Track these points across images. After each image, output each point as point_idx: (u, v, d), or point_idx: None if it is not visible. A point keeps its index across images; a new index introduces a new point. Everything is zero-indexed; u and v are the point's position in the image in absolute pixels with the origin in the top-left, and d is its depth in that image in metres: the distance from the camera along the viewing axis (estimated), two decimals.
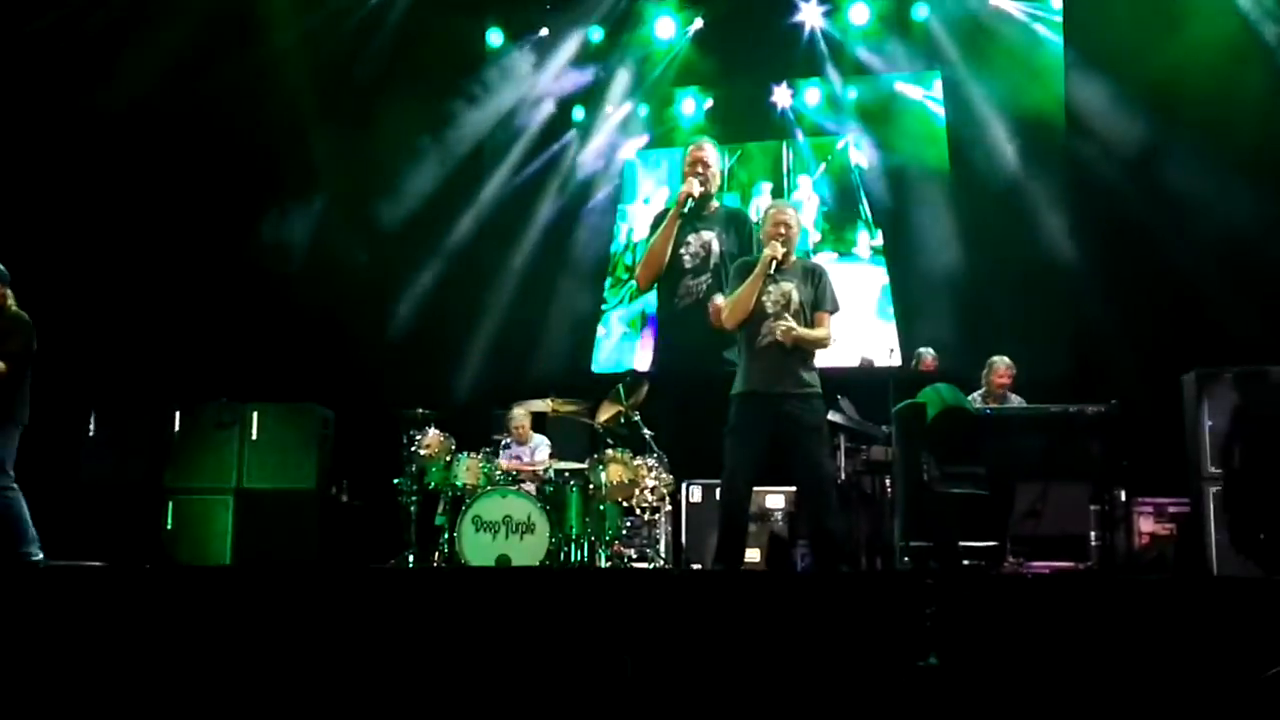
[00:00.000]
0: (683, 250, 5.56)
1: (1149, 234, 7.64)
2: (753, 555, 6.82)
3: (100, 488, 7.42)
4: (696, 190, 5.50)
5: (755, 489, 6.55)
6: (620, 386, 6.60)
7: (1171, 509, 6.91)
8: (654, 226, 5.53)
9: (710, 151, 5.54)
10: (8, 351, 5.76)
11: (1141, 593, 3.51)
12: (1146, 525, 7.00)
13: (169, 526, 7.43)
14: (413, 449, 6.68)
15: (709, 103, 9.46)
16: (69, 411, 7.56)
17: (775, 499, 7.00)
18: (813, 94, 9.29)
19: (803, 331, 5.03)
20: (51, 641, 3.97)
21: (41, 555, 5.78)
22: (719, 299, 5.45)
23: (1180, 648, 3.01)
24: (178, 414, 7.59)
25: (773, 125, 9.28)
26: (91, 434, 7.56)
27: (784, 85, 9.30)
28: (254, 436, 7.47)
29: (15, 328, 5.87)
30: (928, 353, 7.42)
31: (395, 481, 6.75)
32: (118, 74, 7.78)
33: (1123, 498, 6.40)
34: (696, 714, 3.15)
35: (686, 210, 5.52)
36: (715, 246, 5.64)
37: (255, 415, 7.49)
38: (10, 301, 5.95)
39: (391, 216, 8.76)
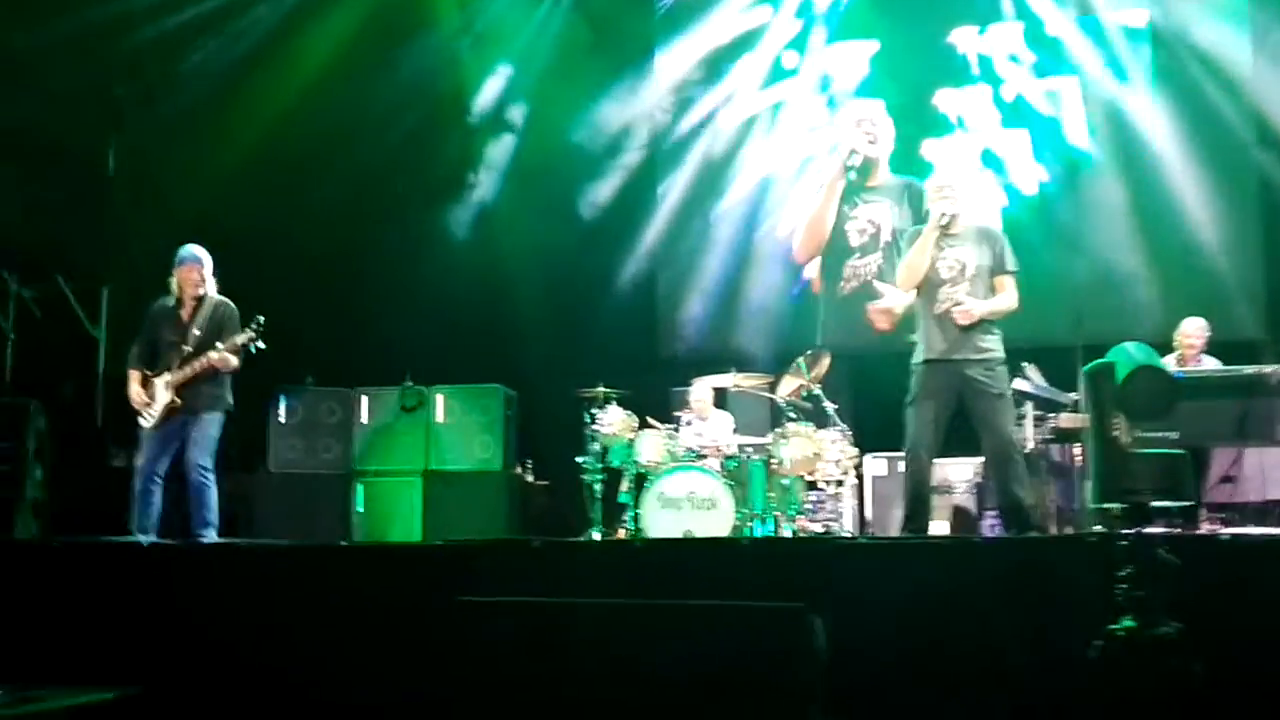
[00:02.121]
0: (848, 226, 5.79)
1: None
2: (940, 528, 7.32)
3: (291, 473, 8.22)
4: (863, 151, 5.72)
5: (938, 461, 7.08)
6: (802, 359, 7.04)
7: None
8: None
9: (879, 110, 5.73)
10: (235, 345, 6.26)
11: None
12: None
13: (360, 509, 8.21)
14: (595, 427, 7.21)
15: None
16: (259, 397, 8.37)
17: (959, 470, 7.40)
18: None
19: (982, 307, 5.32)
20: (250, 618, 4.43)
21: (215, 538, 6.18)
22: (878, 302, 5.67)
23: None
24: (364, 398, 8.34)
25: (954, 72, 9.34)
26: (281, 420, 8.36)
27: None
28: (440, 418, 8.18)
29: (231, 317, 6.37)
30: None
31: (579, 460, 7.29)
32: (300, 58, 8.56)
33: None
34: (888, 677, 3.56)
35: (852, 177, 5.74)
36: (886, 222, 5.89)
37: (441, 397, 8.20)
38: (210, 288, 6.41)
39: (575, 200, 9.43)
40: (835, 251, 5.71)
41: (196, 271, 6.43)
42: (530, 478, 8.56)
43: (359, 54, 8.78)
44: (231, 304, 6.49)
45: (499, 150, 9.71)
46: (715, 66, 9.76)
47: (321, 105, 8.80)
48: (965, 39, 9.31)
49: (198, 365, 6.25)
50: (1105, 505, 3.81)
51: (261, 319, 6.28)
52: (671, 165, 9.70)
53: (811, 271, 6.56)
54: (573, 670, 2.98)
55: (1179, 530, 5.49)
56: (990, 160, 9.23)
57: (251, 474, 8.28)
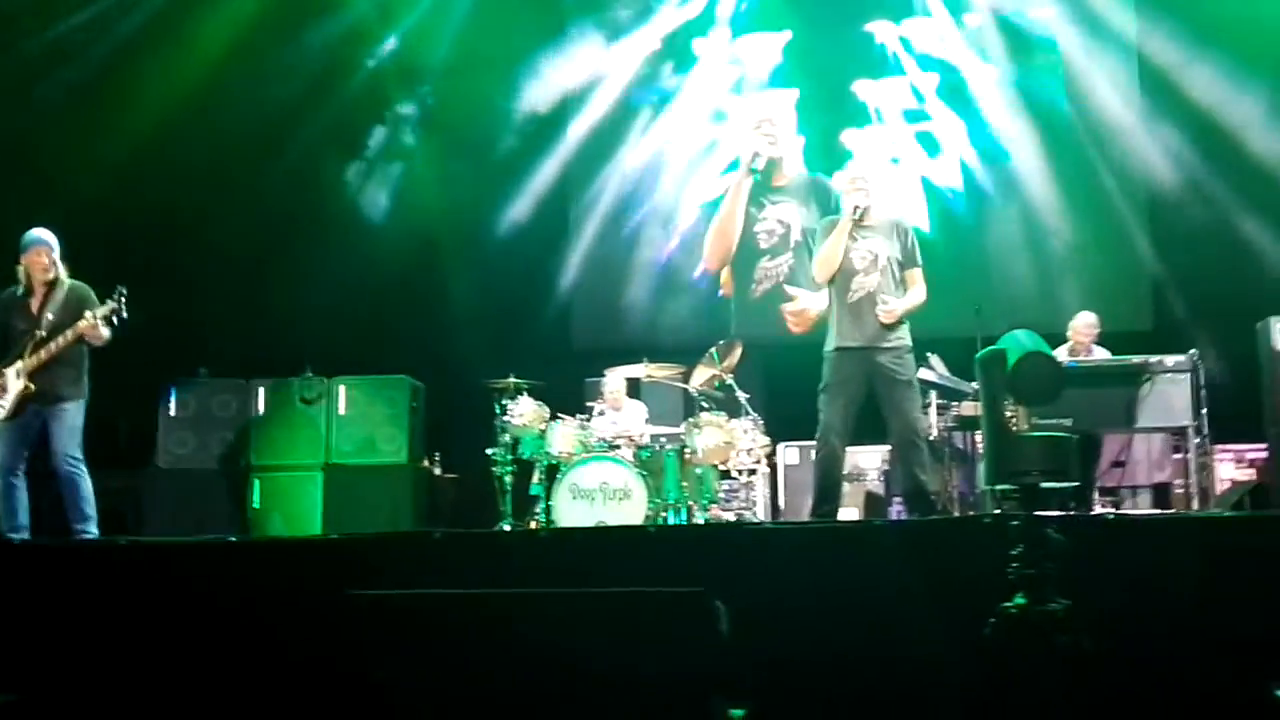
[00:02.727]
0: (757, 228, 5.91)
1: (1221, 191, 8.43)
2: (850, 514, 7.53)
3: (182, 469, 8.09)
4: (765, 152, 5.83)
5: (850, 448, 7.27)
6: (714, 349, 7.18)
7: (1250, 454, 7.71)
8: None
9: (779, 109, 5.82)
10: (102, 314, 5.93)
11: (1221, 532, 4.15)
12: (1227, 471, 7.81)
13: (256, 505, 8.11)
14: (506, 419, 7.29)
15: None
16: (147, 390, 8.23)
17: (869, 457, 7.66)
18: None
19: (903, 305, 5.55)
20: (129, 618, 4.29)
21: (96, 533, 6.01)
22: (791, 305, 5.82)
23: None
24: (261, 390, 8.26)
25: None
26: (171, 413, 8.23)
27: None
28: (342, 410, 8.14)
29: (86, 297, 6.09)
30: None
31: (489, 452, 7.35)
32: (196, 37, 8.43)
33: (1203, 445, 7.13)
34: (793, 661, 3.66)
35: (755, 178, 5.84)
36: (795, 222, 6.01)
37: (343, 389, 8.16)
38: (61, 271, 6.13)
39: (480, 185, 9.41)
40: (745, 254, 5.79)
41: (45, 255, 6.16)
42: (439, 471, 8.56)
43: (259, 35, 8.63)
44: (85, 285, 6.23)
45: (406, 135, 9.66)
46: (627, 54, 9.80)
47: (218, 86, 8.64)
48: (883, 30, 9.53)
49: (54, 348, 5.98)
50: (997, 487, 4.01)
51: (124, 290, 6.08)
52: (582, 155, 9.73)
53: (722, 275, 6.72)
54: (467, 663, 3.02)
55: (1068, 511, 5.79)
56: (909, 151, 9.48)
57: (140, 471, 8.15)
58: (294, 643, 4.10)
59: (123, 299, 6.03)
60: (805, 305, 5.89)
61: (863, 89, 9.48)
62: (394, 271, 8.94)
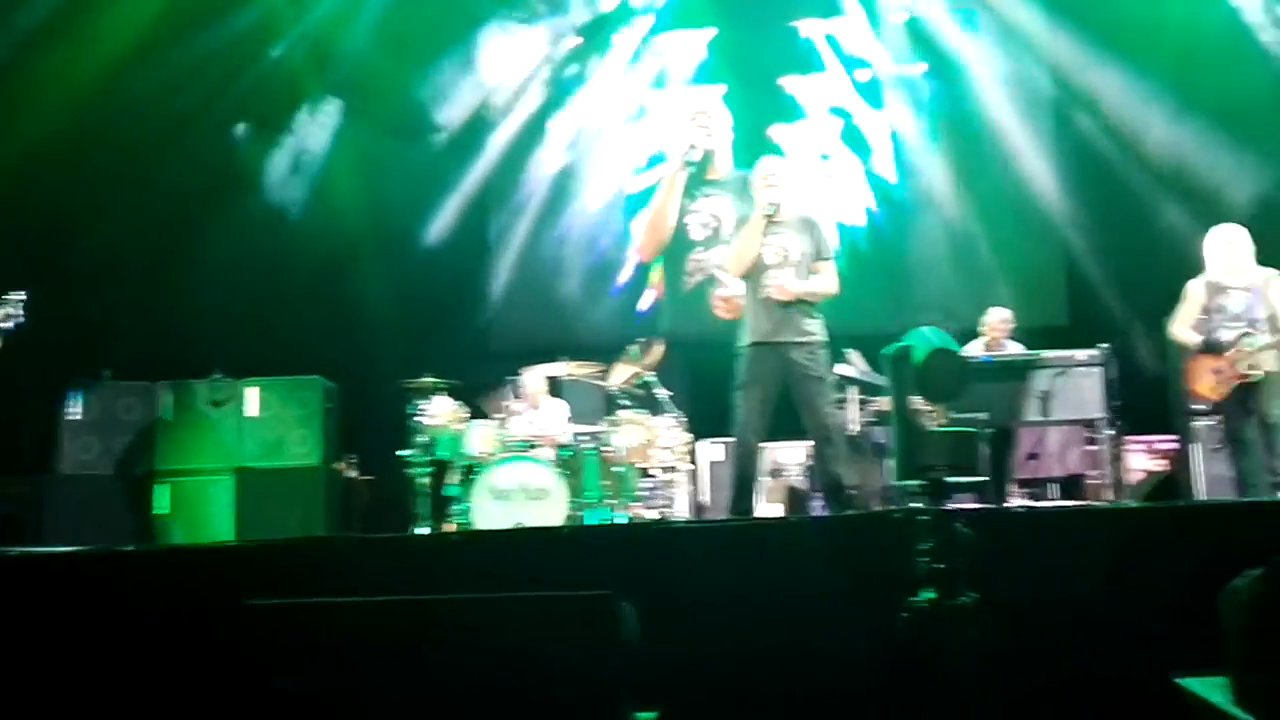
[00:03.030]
0: (689, 219, 5.97)
1: (1134, 185, 8.70)
2: (773, 510, 7.59)
3: (84, 474, 7.87)
4: (700, 144, 5.88)
5: (771, 444, 7.33)
6: (634, 347, 7.20)
7: (1161, 445, 7.95)
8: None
9: (715, 101, 5.88)
10: None
11: (1130, 523, 4.24)
12: (1139, 462, 8.04)
13: (164, 511, 7.93)
14: (421, 419, 7.25)
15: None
16: (48, 393, 7.99)
17: (791, 453, 7.71)
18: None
19: (798, 286, 5.60)
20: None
21: None
22: (722, 289, 5.83)
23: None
24: (167, 393, 8.07)
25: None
26: (73, 417, 8.01)
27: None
28: (252, 413, 7.99)
29: None
30: None
31: (404, 454, 7.27)
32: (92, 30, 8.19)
33: (1116, 437, 7.32)
34: (707, 661, 3.64)
35: (690, 170, 5.91)
36: (728, 215, 6.02)
37: (253, 391, 8.01)
38: None
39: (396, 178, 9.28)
40: (677, 245, 5.83)
41: None
42: (353, 473, 8.47)
43: (162, 28, 8.39)
44: None
45: (318, 127, 9.49)
46: (547, 45, 9.78)
47: (120, 82, 8.39)
48: (810, 27, 9.63)
49: None
50: (906, 482, 4.06)
51: (23, 294, 5.91)
52: (501, 152, 9.66)
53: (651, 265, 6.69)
54: (370, 672, 2.96)
55: (976, 504, 5.91)
56: (836, 147, 9.61)
57: (40, 476, 7.92)
58: (193, 655, 4.00)
59: (22, 304, 5.84)
60: (735, 292, 5.93)
61: (791, 84, 9.57)
62: (306, 270, 8.78)
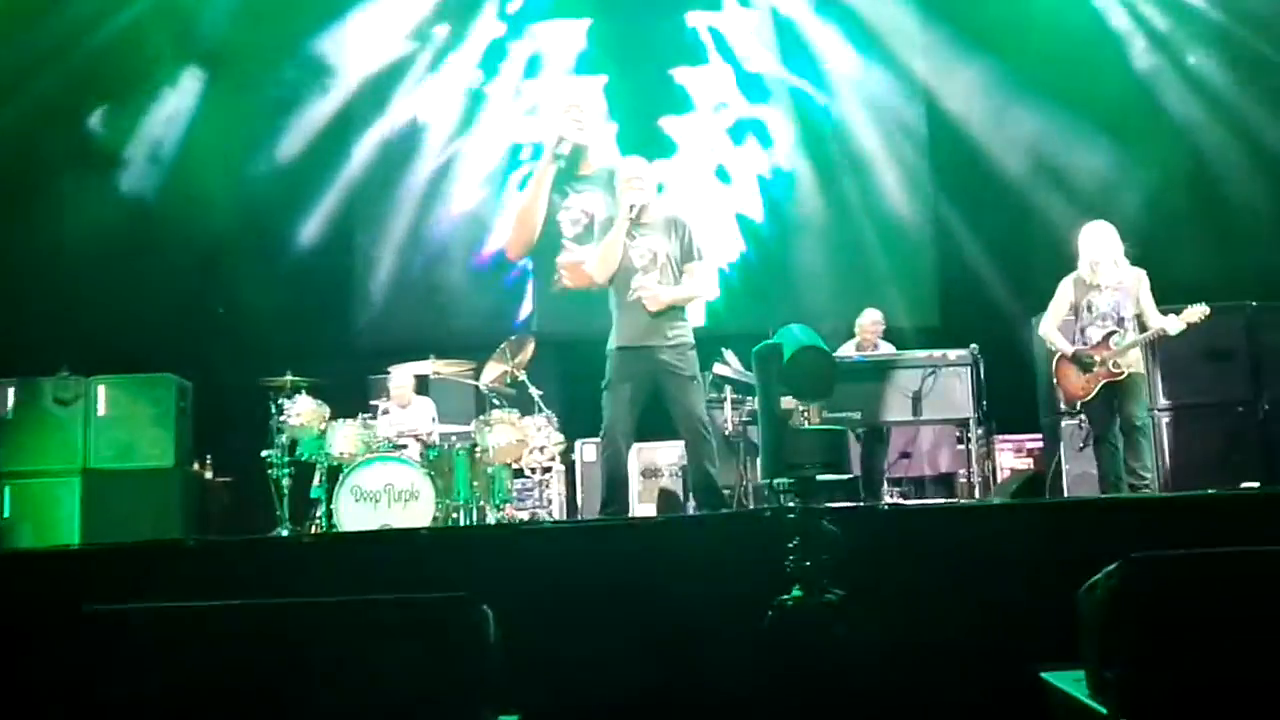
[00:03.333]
0: (561, 216, 5.92)
1: (1004, 185, 8.99)
2: (647, 510, 7.57)
3: None
4: (572, 138, 5.82)
5: (645, 445, 7.32)
6: (505, 345, 7.12)
7: (1029, 444, 8.24)
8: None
9: (589, 94, 5.78)
10: None
11: (995, 520, 4.33)
12: (1007, 460, 8.29)
13: (4, 514, 7.53)
14: (283, 418, 7.00)
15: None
16: None
17: (665, 453, 7.72)
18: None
19: (669, 294, 5.55)
20: None
21: None
22: (566, 255, 5.79)
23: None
24: (10, 390, 7.68)
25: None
26: None
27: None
28: (102, 411, 7.64)
29: None
30: None
31: (265, 454, 7.04)
32: None
33: (985, 436, 7.51)
34: (572, 664, 3.58)
35: (560, 164, 5.84)
36: (600, 211, 5.95)
37: (102, 388, 7.67)
38: None
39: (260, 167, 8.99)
40: (548, 243, 5.74)
41: None
42: (210, 475, 8.18)
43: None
44: None
45: (170, 114, 9.09)
46: (418, 34, 9.58)
47: None
48: (696, 18, 9.68)
49: None
50: (773, 480, 4.08)
51: None
52: (366, 139, 9.47)
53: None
54: (217, 678, 2.82)
55: (846, 503, 5.98)
56: (723, 144, 9.66)
57: None
58: (33, 665, 3.78)
59: None
60: (579, 258, 5.86)
61: (683, 76, 9.59)
62: (161, 263, 8.40)
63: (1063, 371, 6.34)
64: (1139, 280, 6.24)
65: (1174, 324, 6.13)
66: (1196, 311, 6.16)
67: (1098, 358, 6.15)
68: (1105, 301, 6.19)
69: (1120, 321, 6.16)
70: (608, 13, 9.62)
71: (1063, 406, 6.80)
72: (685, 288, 5.66)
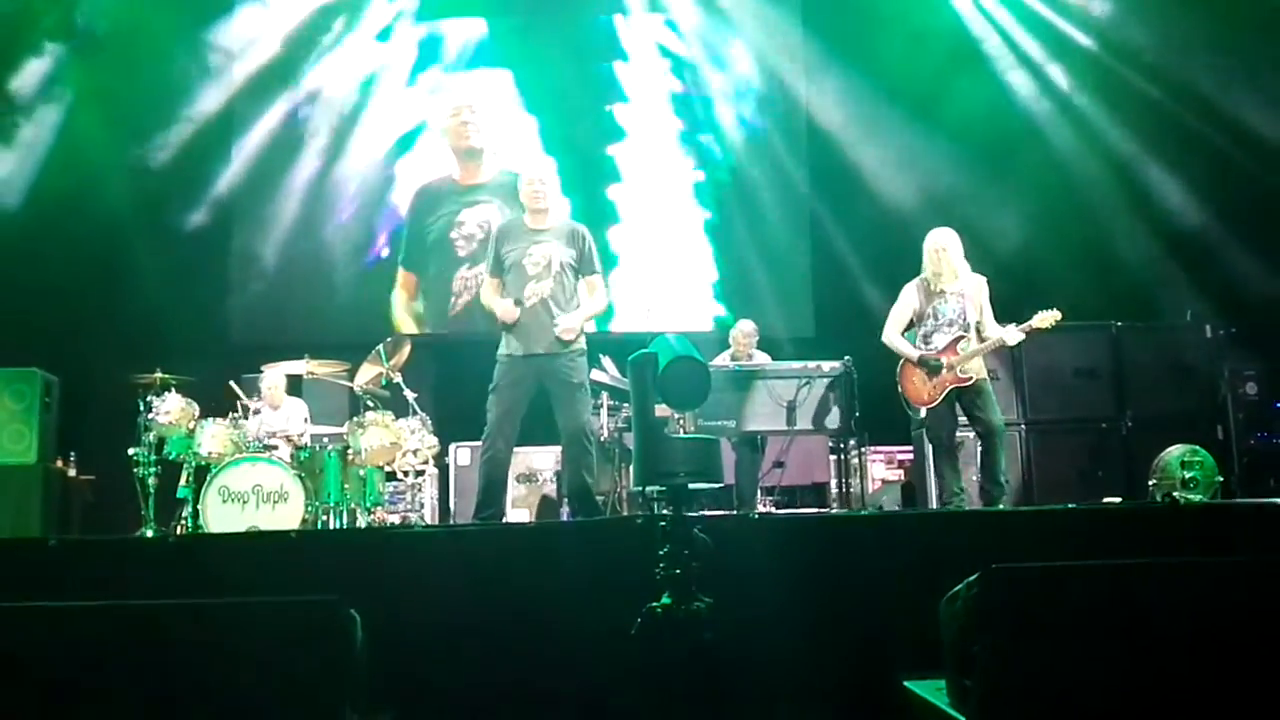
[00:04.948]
0: (454, 234, 5.84)
1: (875, 194, 9.16)
2: (522, 515, 7.47)
3: None
4: (460, 145, 5.76)
5: (523, 449, 7.21)
6: (381, 347, 6.95)
7: (900, 456, 8.37)
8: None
9: (480, 99, 5.69)
10: None
11: (865, 529, 4.37)
12: (879, 471, 8.39)
13: None
14: (151, 416, 6.74)
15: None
16: None
17: (543, 458, 7.67)
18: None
19: (578, 321, 5.57)
20: None
21: None
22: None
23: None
24: None
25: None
26: None
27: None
28: None
29: None
30: None
31: (131, 452, 6.77)
32: None
33: (857, 447, 7.59)
34: (440, 669, 3.56)
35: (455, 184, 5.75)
36: (497, 223, 5.92)
37: None
38: None
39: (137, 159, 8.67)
40: (442, 263, 5.60)
41: None
42: (73, 472, 7.84)
43: None
44: None
45: (44, 105, 8.67)
46: (316, 24, 9.35)
47: None
48: (624, 19, 9.66)
49: None
50: (646, 487, 4.04)
51: None
52: (249, 128, 9.19)
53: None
54: (78, 680, 2.68)
55: (718, 511, 5.98)
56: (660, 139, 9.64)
57: None
58: None
59: None
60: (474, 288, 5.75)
61: (619, 70, 9.55)
62: (25, 254, 8.06)
63: (908, 376, 6.26)
64: (980, 287, 6.21)
65: (1013, 334, 6.13)
66: (1047, 317, 6.14)
67: (945, 362, 6.08)
68: (951, 308, 6.14)
69: (966, 327, 6.10)
70: (501, 12, 9.42)
71: (911, 412, 6.82)
72: (588, 307, 5.69)
